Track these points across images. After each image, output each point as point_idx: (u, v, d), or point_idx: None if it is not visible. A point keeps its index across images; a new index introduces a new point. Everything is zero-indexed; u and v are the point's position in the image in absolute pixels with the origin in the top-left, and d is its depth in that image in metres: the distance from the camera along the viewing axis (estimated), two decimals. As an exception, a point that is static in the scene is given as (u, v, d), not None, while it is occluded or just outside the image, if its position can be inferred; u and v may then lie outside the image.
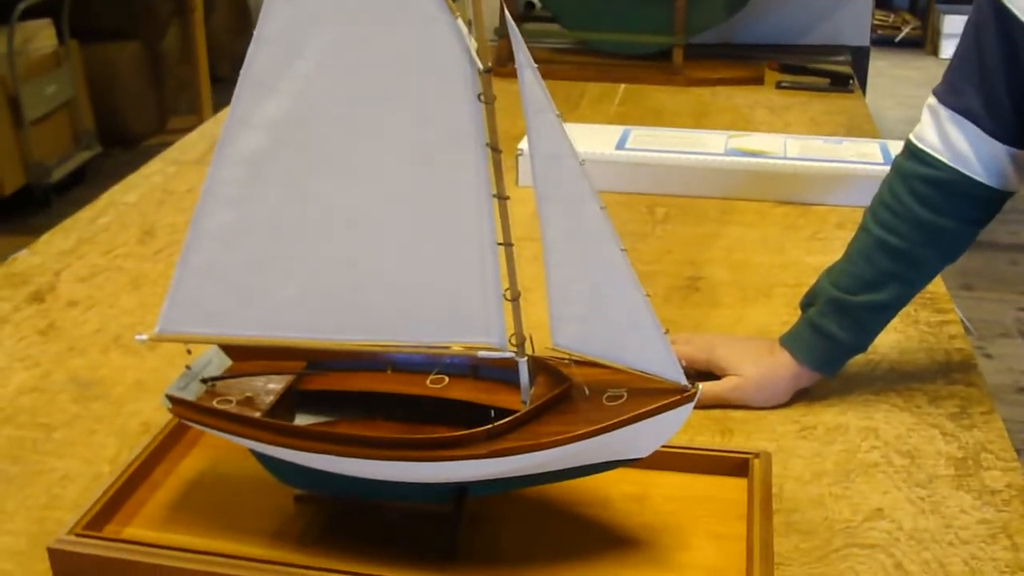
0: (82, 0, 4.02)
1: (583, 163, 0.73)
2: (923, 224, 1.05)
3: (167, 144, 1.95)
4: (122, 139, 4.39)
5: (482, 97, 0.73)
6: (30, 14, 3.78)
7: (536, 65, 0.72)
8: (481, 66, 0.72)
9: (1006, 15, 0.98)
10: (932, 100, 1.07)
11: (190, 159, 1.84)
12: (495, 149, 0.74)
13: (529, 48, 0.72)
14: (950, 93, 1.05)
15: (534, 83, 0.72)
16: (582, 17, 2.34)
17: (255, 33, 0.75)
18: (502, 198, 0.75)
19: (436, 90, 0.74)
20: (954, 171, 1.03)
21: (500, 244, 0.77)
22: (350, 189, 0.78)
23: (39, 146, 3.81)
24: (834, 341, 1.08)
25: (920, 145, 1.06)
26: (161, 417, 0.99)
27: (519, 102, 0.73)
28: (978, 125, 1.02)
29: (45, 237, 1.51)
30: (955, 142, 1.03)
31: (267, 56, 0.76)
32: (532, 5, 2.63)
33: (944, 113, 1.04)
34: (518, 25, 2.56)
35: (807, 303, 1.14)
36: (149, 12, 4.57)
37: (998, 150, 1.02)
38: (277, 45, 0.75)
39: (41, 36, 3.93)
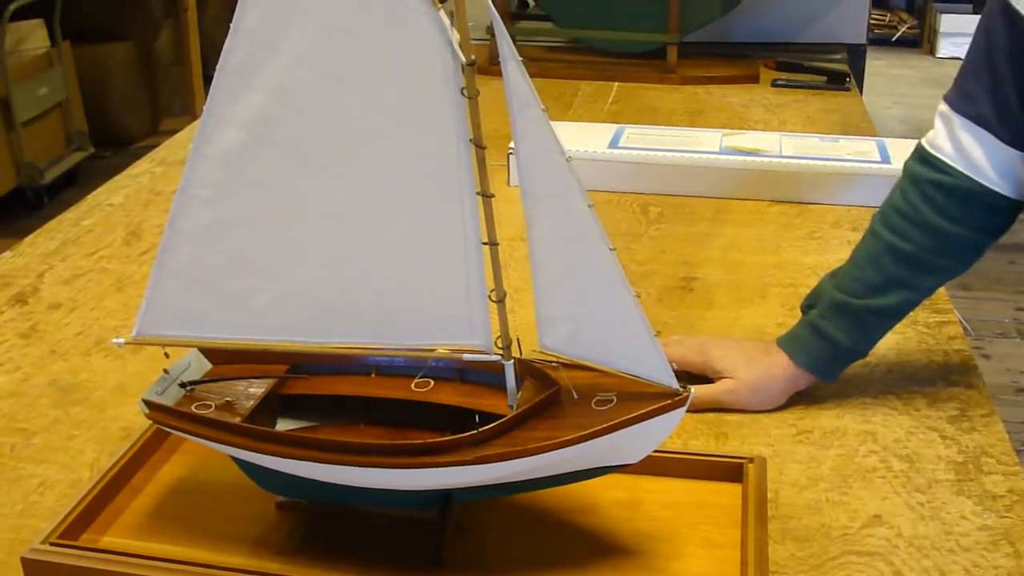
0: (74, 0, 3.99)
1: (570, 159, 0.71)
2: (935, 230, 1.03)
3: (160, 145, 1.93)
4: (115, 140, 4.37)
5: (465, 91, 0.70)
6: (21, 14, 3.75)
7: (529, 62, 0.69)
8: (464, 59, 0.70)
9: (1016, 19, 0.96)
10: (943, 107, 1.04)
11: (179, 159, 1.82)
12: (479, 145, 0.72)
13: (522, 46, 0.70)
14: (962, 99, 1.02)
15: (518, 76, 0.69)
16: (575, 15, 2.31)
17: (231, 26, 0.73)
18: (486, 195, 0.73)
19: (418, 84, 0.71)
20: (969, 179, 1.01)
21: (485, 243, 0.74)
22: (330, 187, 0.76)
23: (31, 147, 3.79)
24: (834, 344, 1.06)
25: (933, 152, 1.04)
26: (143, 422, 0.97)
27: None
28: (991, 132, 1.00)
29: (29, 239, 1.49)
30: (969, 150, 1.01)
31: (244, 50, 0.74)
32: (525, 3, 2.60)
33: (957, 120, 1.02)
34: (512, 24, 2.50)
35: (808, 305, 1.12)
36: (142, 12, 4.54)
37: (1012, 156, 1.00)
38: (254, 39, 0.73)
39: (33, 37, 3.90)
